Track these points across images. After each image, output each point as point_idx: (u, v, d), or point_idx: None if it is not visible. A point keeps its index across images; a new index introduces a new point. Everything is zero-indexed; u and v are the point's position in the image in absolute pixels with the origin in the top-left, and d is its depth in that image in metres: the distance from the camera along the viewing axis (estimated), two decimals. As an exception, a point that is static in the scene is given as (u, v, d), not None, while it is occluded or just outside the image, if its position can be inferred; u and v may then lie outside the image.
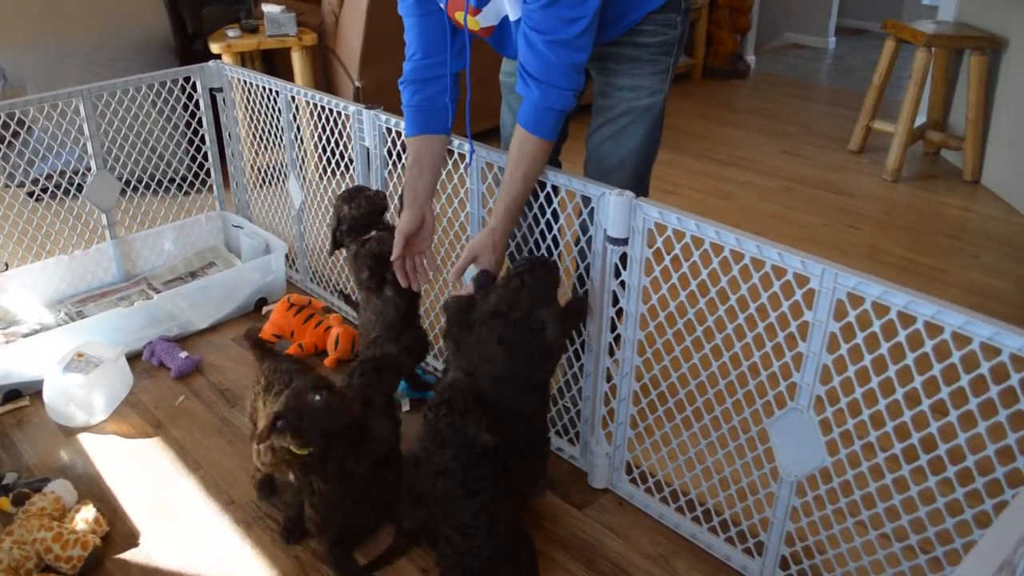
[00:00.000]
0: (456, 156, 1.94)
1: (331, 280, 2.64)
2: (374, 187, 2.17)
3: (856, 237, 3.14)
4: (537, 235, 1.89)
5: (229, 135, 2.78)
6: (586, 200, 1.70)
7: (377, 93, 3.00)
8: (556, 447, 1.98)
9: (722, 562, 1.68)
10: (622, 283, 1.67)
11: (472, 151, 1.89)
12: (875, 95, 3.93)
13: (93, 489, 1.87)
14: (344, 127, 2.27)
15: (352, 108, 2.17)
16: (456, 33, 1.79)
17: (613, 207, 1.60)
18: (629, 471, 1.85)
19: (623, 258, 1.65)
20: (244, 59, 3.44)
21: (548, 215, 1.85)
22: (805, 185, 3.68)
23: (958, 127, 3.81)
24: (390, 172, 2.18)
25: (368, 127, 2.14)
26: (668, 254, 1.60)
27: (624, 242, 1.62)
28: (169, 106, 2.70)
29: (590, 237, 1.70)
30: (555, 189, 1.81)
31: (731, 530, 1.68)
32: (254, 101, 2.62)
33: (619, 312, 1.72)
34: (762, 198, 3.52)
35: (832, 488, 1.48)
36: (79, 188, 2.54)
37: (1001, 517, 0.83)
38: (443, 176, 1.95)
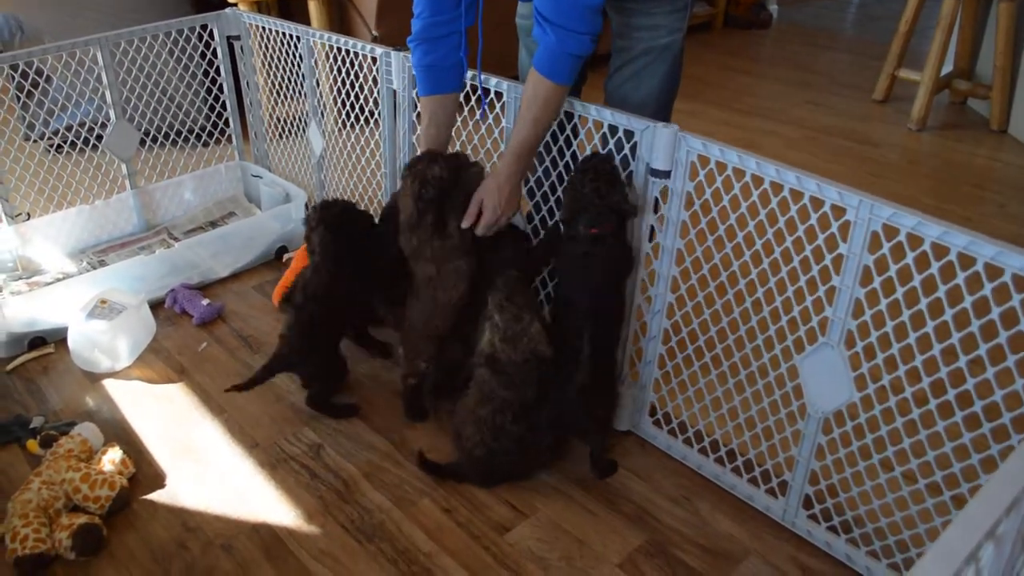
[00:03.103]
0: (492, 96, 1.92)
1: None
2: (400, 132, 2.15)
3: (881, 186, 3.09)
4: (556, 174, 1.87)
5: (247, 84, 2.76)
6: (628, 135, 1.67)
7: (395, 42, 2.97)
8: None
9: (745, 502, 1.68)
10: (659, 218, 1.66)
11: (484, 104, 1.87)
12: (901, 43, 3.86)
13: (119, 433, 1.89)
14: (369, 72, 2.25)
15: (380, 51, 2.15)
16: None
17: (658, 139, 1.59)
18: (652, 413, 1.85)
19: (662, 193, 1.64)
20: (260, 7, 3.40)
21: (574, 148, 1.83)
22: (829, 135, 3.63)
23: (985, 75, 3.74)
24: (418, 115, 2.16)
25: (396, 69, 2.12)
26: (709, 188, 1.58)
27: (667, 175, 1.61)
28: (187, 55, 2.68)
29: (630, 172, 1.68)
30: (596, 124, 1.78)
31: (755, 471, 1.68)
32: (273, 49, 2.59)
33: (653, 248, 1.70)
34: (786, 147, 3.48)
35: (858, 424, 1.47)
36: (99, 139, 2.53)
37: (1012, 455, 0.80)
38: (476, 116, 1.95)
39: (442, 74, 1.83)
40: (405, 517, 1.66)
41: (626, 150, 1.70)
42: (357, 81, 2.30)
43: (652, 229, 1.69)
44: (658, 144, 1.60)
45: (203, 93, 3.16)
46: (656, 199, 1.66)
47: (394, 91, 2.16)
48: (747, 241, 1.56)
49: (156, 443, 1.86)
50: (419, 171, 1.74)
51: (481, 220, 1.74)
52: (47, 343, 2.18)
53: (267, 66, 2.69)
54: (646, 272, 1.74)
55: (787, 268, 1.50)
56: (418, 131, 2.15)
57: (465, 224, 1.75)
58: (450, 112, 1.88)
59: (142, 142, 2.62)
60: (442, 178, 1.72)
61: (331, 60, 2.42)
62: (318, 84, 2.49)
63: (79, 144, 2.57)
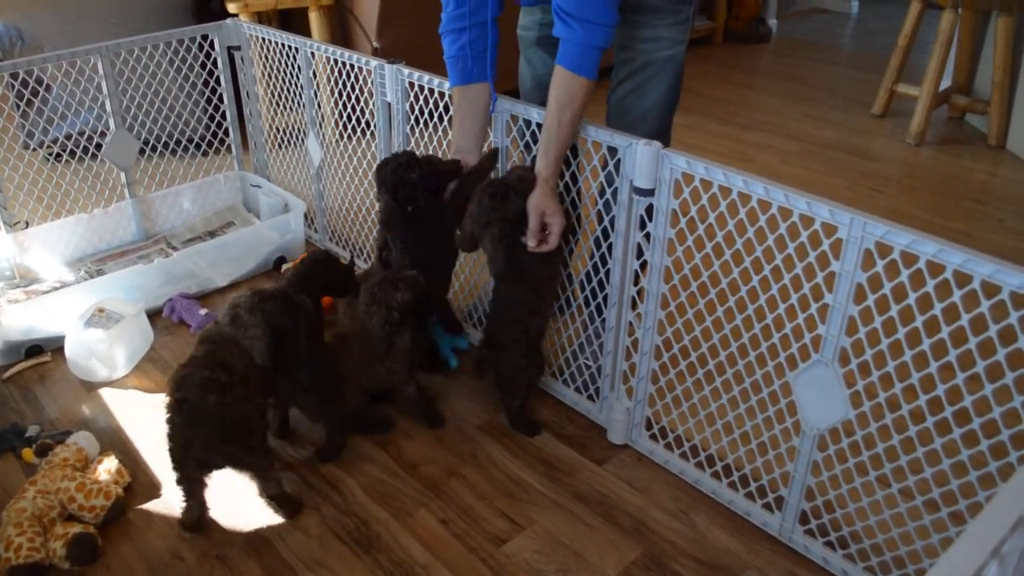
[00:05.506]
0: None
1: (350, 239, 2.63)
2: (396, 144, 2.16)
3: (879, 201, 3.10)
4: (561, 189, 1.87)
5: (247, 94, 2.77)
6: (612, 151, 1.68)
7: (395, 53, 2.99)
8: (574, 402, 1.98)
9: (742, 517, 1.68)
10: (646, 236, 1.66)
11: (495, 98, 1.87)
12: (900, 58, 3.87)
13: (115, 441, 1.89)
14: (365, 84, 2.25)
15: (374, 63, 2.16)
16: None
17: (640, 157, 1.58)
18: (649, 427, 1.85)
19: (648, 210, 1.64)
20: (261, 19, 3.41)
21: (573, 167, 1.83)
22: (827, 149, 3.63)
23: (984, 91, 3.75)
24: (411, 128, 2.17)
25: (390, 82, 2.12)
26: (695, 205, 1.58)
27: (651, 193, 1.60)
28: (187, 65, 2.69)
29: (616, 189, 1.68)
30: (581, 141, 1.79)
31: (751, 485, 1.67)
32: (272, 59, 2.60)
33: (642, 265, 1.70)
34: (784, 162, 3.48)
35: (854, 441, 1.46)
36: (98, 148, 2.54)
37: (1016, 474, 0.80)
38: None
39: (466, 64, 1.84)
40: (402, 528, 1.66)
41: (610, 166, 1.70)
42: (354, 93, 2.30)
43: (639, 247, 1.69)
44: (640, 162, 1.59)
45: (203, 103, 3.17)
46: (642, 217, 1.66)
47: (388, 104, 2.17)
48: (736, 258, 1.55)
49: (152, 453, 1.86)
50: (381, 297, 1.78)
51: (552, 229, 1.72)
52: (44, 351, 2.18)
53: (267, 77, 2.70)
54: (635, 290, 1.74)
55: (778, 285, 1.49)
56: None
57: (531, 244, 1.73)
58: (475, 103, 1.88)
59: (141, 151, 2.62)
60: (405, 302, 1.77)
61: (329, 71, 2.42)
62: (316, 95, 2.50)
63: (78, 153, 2.58)
